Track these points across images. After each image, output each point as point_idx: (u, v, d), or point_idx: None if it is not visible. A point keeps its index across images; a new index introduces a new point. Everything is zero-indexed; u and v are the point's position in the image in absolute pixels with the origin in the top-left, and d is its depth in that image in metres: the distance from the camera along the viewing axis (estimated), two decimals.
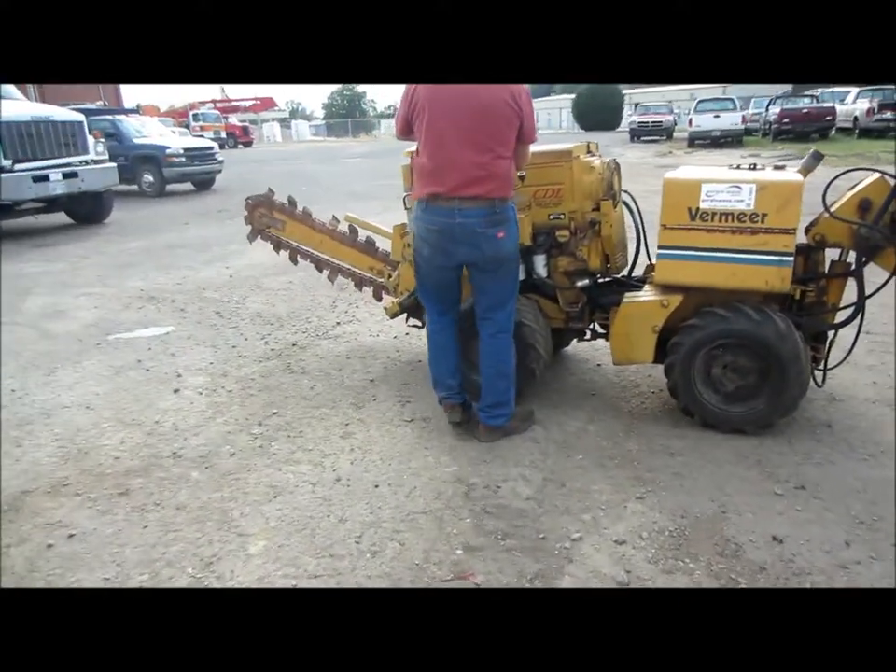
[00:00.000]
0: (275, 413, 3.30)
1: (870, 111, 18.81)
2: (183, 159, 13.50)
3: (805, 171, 2.88)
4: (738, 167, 3.02)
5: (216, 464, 2.83)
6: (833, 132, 20.21)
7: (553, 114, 54.00)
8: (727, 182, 2.74)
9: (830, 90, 21.84)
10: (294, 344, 4.34)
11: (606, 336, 3.30)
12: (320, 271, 4.38)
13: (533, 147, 2.85)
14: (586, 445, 2.83)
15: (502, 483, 2.57)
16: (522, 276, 3.02)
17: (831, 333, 2.99)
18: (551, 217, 3.16)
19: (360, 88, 68.55)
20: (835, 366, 3.00)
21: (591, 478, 2.58)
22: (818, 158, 2.95)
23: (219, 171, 14.66)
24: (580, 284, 3.20)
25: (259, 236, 4.47)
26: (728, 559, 2.09)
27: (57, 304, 5.52)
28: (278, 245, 4.43)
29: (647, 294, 3.03)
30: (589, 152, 3.22)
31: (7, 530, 2.40)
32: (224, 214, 10.71)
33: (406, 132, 2.76)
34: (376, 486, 2.60)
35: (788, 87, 24.47)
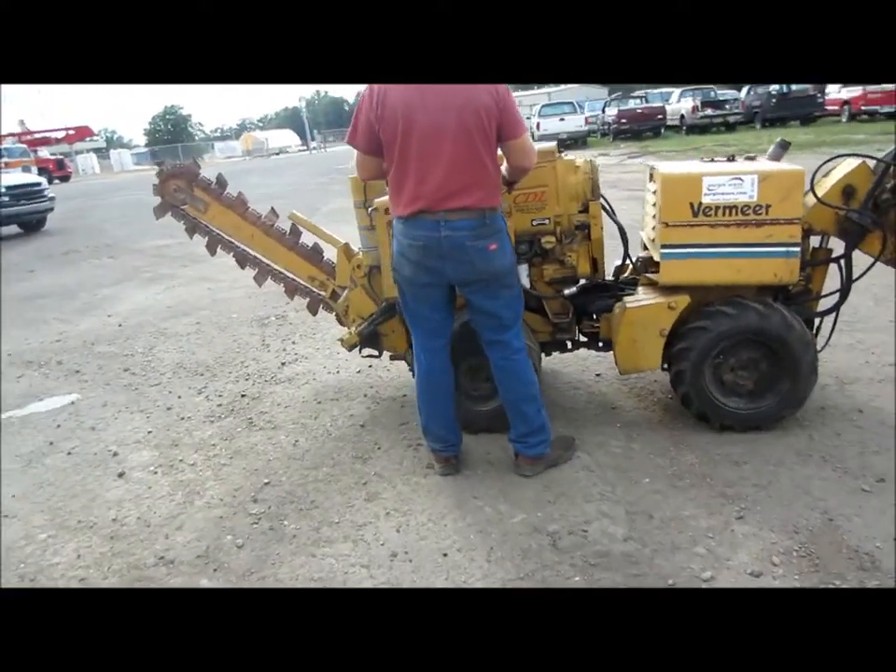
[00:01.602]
0: (267, 484, 2.74)
1: (694, 109, 20.77)
2: (6, 199, 11.68)
3: (773, 160, 2.88)
4: (713, 160, 2.96)
5: (225, 563, 2.25)
6: (663, 129, 22.06)
7: None
8: (728, 174, 2.65)
9: (658, 90, 23.90)
10: (243, 395, 3.72)
11: (589, 345, 3.12)
12: (242, 267, 3.77)
13: None
14: (643, 466, 2.60)
15: (586, 526, 2.26)
16: None
17: (817, 320, 3.02)
18: (534, 222, 2.90)
19: (185, 111, 65.14)
20: (819, 350, 3.00)
21: (674, 503, 2.34)
22: (784, 146, 2.96)
23: (51, 209, 12.87)
24: (567, 292, 2.99)
25: (169, 212, 3.70)
26: (871, 572, 1.93)
27: None
28: (193, 229, 3.70)
29: (650, 297, 2.87)
30: (560, 152, 3.01)
31: None
32: (75, 255, 9.46)
33: (369, 145, 2.33)
34: (444, 555, 2.18)
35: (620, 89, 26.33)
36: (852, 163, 2.78)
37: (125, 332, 5.27)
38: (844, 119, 20.69)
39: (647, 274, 3.05)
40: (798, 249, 2.61)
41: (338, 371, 3.95)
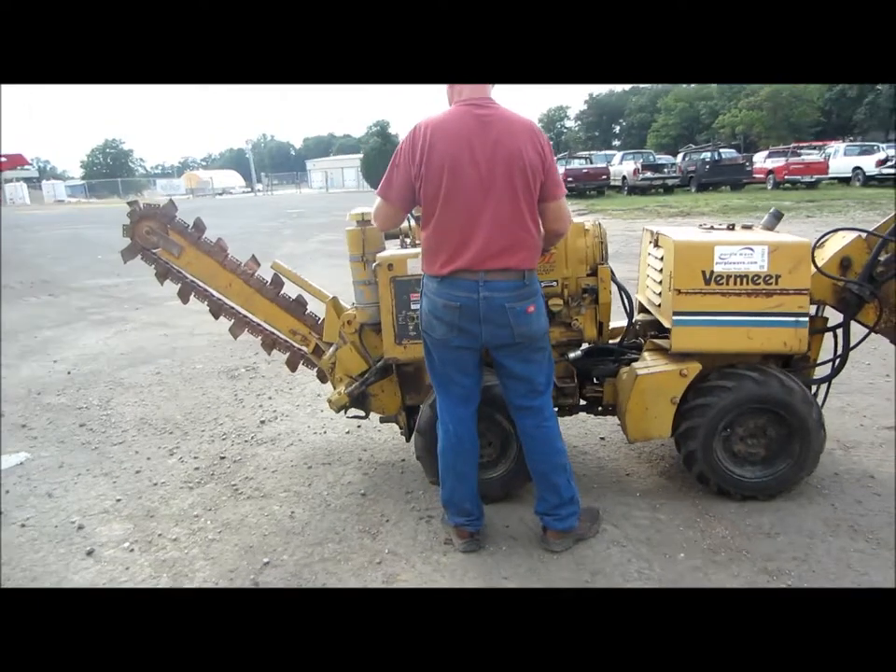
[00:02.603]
0: (267, 563, 2.46)
1: (636, 171, 21.79)
2: None
3: (768, 230, 2.93)
4: (712, 228, 2.98)
5: None
6: (606, 189, 22.96)
7: (333, 173, 54.36)
8: (739, 244, 2.65)
9: (602, 152, 24.98)
10: (223, 457, 3.42)
11: (590, 409, 3.05)
12: (216, 317, 3.49)
13: None
14: (675, 540, 2.48)
15: None
16: None
17: (813, 387, 3.03)
18: (542, 284, 2.83)
19: (126, 146, 63.74)
20: None
21: (717, 581, 2.22)
22: (778, 217, 3.02)
23: None
24: (572, 356, 2.91)
25: (139, 255, 3.38)
26: None
27: None
28: (165, 274, 3.41)
29: (660, 364, 2.80)
30: None
31: None
32: (9, 292, 8.78)
33: (403, 201, 2.19)
34: None
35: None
36: (848, 236, 2.84)
37: (76, 381, 4.85)
38: (769, 187, 22.18)
39: (653, 339, 3.01)
40: (807, 319, 2.61)
41: (325, 432, 3.70)
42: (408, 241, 2.83)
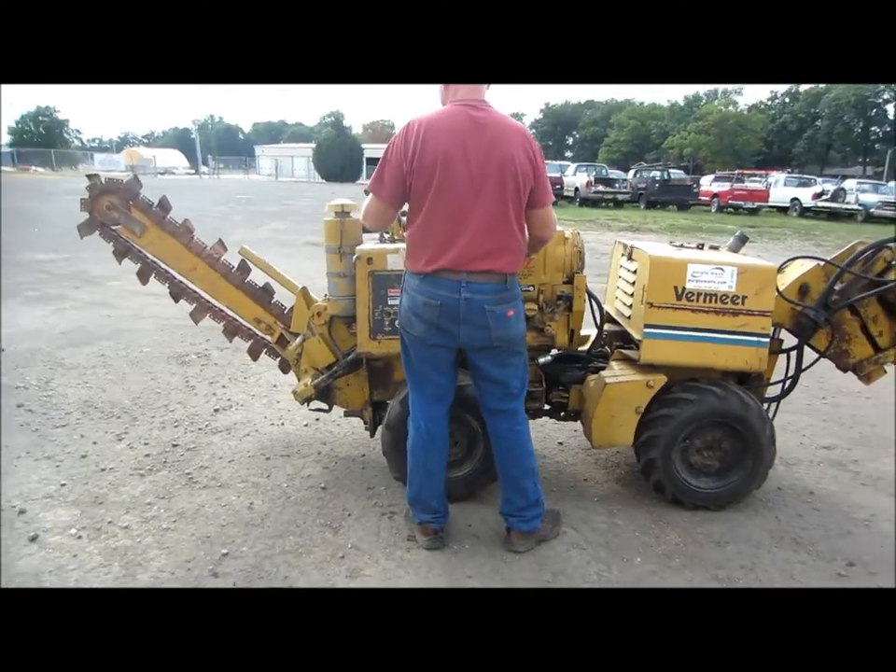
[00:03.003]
0: (226, 555, 2.40)
1: (588, 184, 22.25)
2: None
3: (733, 252, 3.07)
4: (682, 246, 3.10)
5: None
6: (558, 200, 23.34)
7: (283, 161, 53.31)
8: (711, 264, 2.76)
9: (557, 163, 25.39)
10: (175, 445, 3.31)
11: (553, 413, 3.10)
12: (176, 301, 3.37)
13: None
14: (632, 545, 2.55)
15: None
16: None
17: (764, 405, 3.19)
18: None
19: (61, 115, 60.49)
20: None
21: (672, 584, 2.31)
22: (743, 240, 3.16)
23: None
24: (541, 361, 2.97)
25: (97, 231, 3.20)
26: None
27: None
28: (124, 253, 3.25)
29: (628, 374, 2.89)
30: None
31: None
32: None
33: (394, 197, 2.19)
34: None
35: None
36: (807, 264, 2.99)
37: (12, 360, 4.59)
38: (713, 210, 23.06)
39: (620, 350, 3.09)
40: (768, 340, 2.74)
41: (282, 423, 3.64)
42: (387, 236, 2.81)
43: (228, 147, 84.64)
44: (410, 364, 2.36)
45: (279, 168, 50.23)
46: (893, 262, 2.84)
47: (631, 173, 25.08)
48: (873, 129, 47.83)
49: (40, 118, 58.87)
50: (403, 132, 2.14)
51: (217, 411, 3.78)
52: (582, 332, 3.11)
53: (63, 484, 2.89)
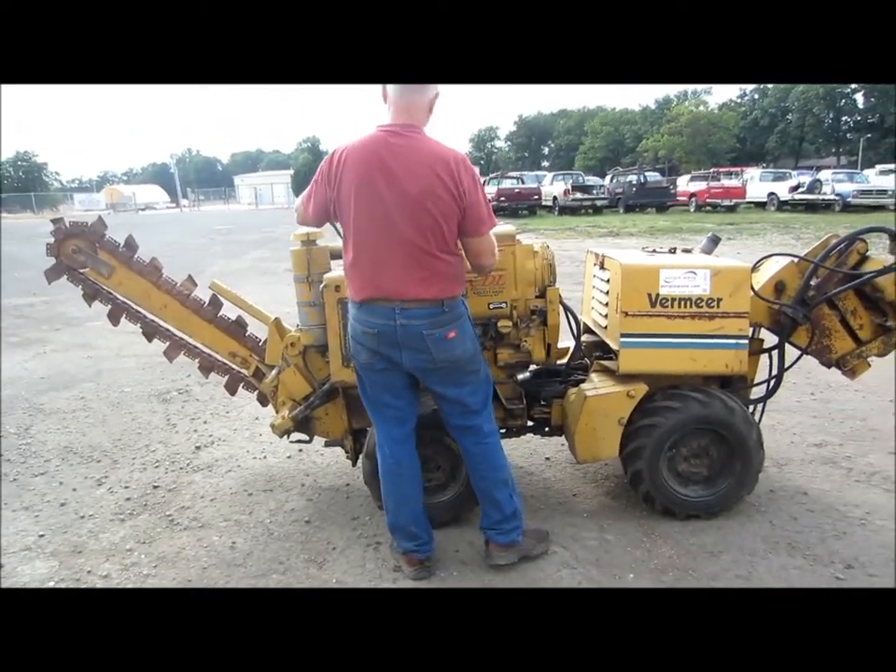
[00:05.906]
0: None
1: (566, 192, 22.39)
2: None
3: (706, 253, 3.06)
4: (654, 251, 3.08)
5: None
6: (538, 210, 23.49)
7: (263, 189, 53.45)
8: (683, 268, 2.74)
9: (534, 173, 25.57)
10: (156, 486, 3.24)
11: (536, 430, 3.06)
12: (150, 340, 3.31)
13: None
14: (623, 561, 2.51)
15: None
16: None
17: (750, 407, 3.16)
18: (491, 306, 2.82)
19: (40, 158, 60.55)
20: None
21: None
22: (715, 241, 3.15)
23: None
24: (520, 377, 2.93)
25: (65, 276, 3.14)
26: None
27: None
28: (94, 296, 3.20)
29: (608, 385, 2.84)
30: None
31: None
32: None
33: (318, 218, 2.27)
34: None
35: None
36: (782, 261, 2.97)
37: None
38: (692, 209, 23.26)
39: (599, 360, 3.06)
40: (746, 341, 2.71)
41: (265, 457, 3.58)
42: None
43: (207, 179, 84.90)
44: (365, 391, 2.34)
45: (259, 196, 50.33)
46: (867, 254, 2.83)
47: (608, 178, 25.30)
48: (844, 119, 48.63)
49: (19, 162, 58.85)
50: (329, 158, 2.13)
51: (198, 448, 3.72)
52: (561, 344, 3.09)
53: (42, 535, 2.82)
